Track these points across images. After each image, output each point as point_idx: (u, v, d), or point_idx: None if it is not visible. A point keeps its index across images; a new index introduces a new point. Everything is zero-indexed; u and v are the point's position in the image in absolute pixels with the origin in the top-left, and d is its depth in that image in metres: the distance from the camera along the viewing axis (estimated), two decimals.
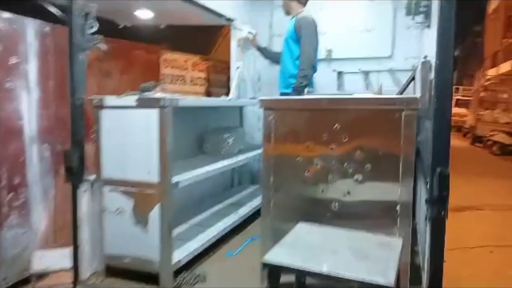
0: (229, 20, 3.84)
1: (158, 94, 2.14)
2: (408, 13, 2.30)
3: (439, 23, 1.48)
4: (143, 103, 2.00)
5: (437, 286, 1.44)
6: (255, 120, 4.02)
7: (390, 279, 1.11)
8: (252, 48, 3.95)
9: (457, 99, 21.51)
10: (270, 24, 4.21)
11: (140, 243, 2.05)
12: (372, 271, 1.18)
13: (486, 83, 18.16)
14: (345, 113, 1.70)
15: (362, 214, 1.73)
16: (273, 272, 1.27)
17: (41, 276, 3.02)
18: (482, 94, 17.32)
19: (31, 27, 3.38)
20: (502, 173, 9.51)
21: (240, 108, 3.87)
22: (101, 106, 2.11)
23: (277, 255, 1.30)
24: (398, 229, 1.66)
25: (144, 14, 3.84)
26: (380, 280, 1.11)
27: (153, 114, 1.98)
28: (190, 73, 5.78)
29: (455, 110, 20.96)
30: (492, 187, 8.04)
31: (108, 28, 4.56)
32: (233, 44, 3.99)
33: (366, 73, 3.90)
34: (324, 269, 1.21)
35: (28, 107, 3.43)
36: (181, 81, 5.64)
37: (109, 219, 2.13)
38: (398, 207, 1.67)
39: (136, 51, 4.86)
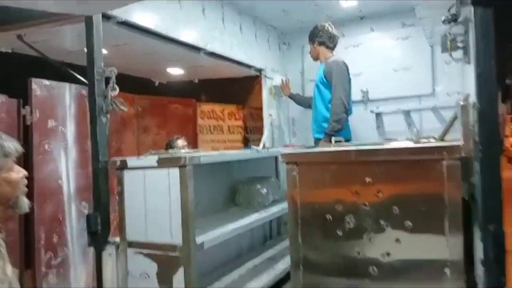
0: (259, 70, 3.84)
1: (179, 152, 2.08)
2: (444, 50, 2.12)
3: (476, 62, 1.31)
4: (164, 163, 1.94)
5: None
6: None
7: None
8: (283, 95, 3.91)
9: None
10: (302, 70, 4.17)
11: None
12: None
13: None
14: (377, 166, 1.52)
15: (406, 277, 1.49)
16: None
17: None
18: None
19: (67, 91, 3.58)
20: None
21: (275, 157, 3.75)
22: (123, 168, 2.07)
23: None
24: None
25: (176, 71, 3.94)
26: None
27: (174, 173, 1.90)
28: (227, 122, 5.83)
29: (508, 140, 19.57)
30: None
31: (146, 86, 4.76)
32: (265, 93, 3.96)
33: (407, 113, 3.67)
34: None
35: (65, 167, 3.55)
36: (219, 131, 5.68)
37: (134, 284, 2.02)
38: (447, 269, 1.42)
39: (172, 105, 4.99)
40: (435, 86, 3.62)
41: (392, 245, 1.51)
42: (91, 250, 3.69)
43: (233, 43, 3.39)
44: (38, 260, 3.26)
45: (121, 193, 2.09)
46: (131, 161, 2.06)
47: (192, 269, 1.90)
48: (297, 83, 4.15)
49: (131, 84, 4.38)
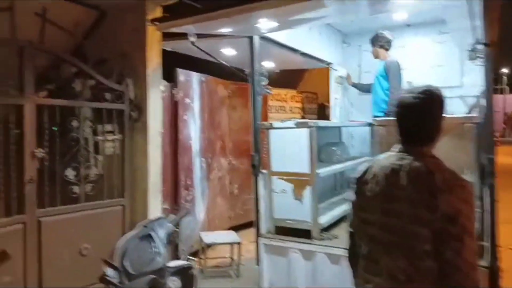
0: (328, 64, 5.15)
1: (308, 121, 3.46)
2: (471, 59, 3.33)
3: (485, 80, 2.61)
4: (299, 125, 3.33)
5: None
6: (349, 138, 5.19)
7: None
8: (346, 84, 5.22)
9: None
10: (359, 63, 5.45)
11: (297, 211, 3.34)
12: None
13: None
14: None
15: None
16: None
17: (207, 247, 4.43)
18: None
19: (195, 78, 5.02)
20: None
21: (339, 128, 5.08)
22: (270, 128, 3.47)
23: None
24: None
25: (268, 64, 5.29)
26: None
27: (305, 131, 3.29)
28: (289, 103, 7.14)
29: None
30: None
31: (234, 74, 6.14)
32: (332, 81, 5.28)
33: None
34: None
35: (194, 132, 5.01)
36: (283, 111, 7.01)
37: (276, 197, 3.45)
38: None
39: None
40: (463, 79, 4.84)
41: None
42: (206, 192, 5.21)
43: (315, 45, 4.70)
44: (180, 195, 4.77)
45: (268, 143, 3.49)
46: (275, 124, 3.47)
47: (314, 188, 3.31)
48: (356, 74, 5.44)
49: (225, 72, 5.77)
